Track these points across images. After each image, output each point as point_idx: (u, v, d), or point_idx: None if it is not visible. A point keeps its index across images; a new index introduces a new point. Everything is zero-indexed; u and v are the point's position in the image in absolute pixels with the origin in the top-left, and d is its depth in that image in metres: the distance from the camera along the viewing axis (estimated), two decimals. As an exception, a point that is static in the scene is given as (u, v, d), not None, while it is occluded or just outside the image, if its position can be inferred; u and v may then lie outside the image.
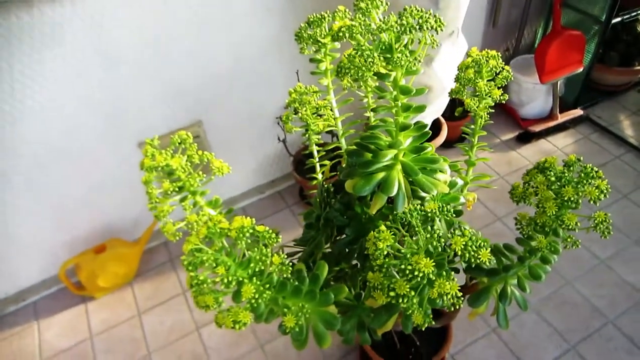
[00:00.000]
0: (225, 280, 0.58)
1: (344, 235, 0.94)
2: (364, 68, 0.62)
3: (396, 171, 0.81)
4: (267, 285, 0.62)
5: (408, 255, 0.55)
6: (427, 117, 1.73)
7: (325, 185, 1.01)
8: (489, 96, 0.96)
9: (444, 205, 0.63)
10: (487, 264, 0.57)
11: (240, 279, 0.61)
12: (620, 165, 2.05)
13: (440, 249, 0.55)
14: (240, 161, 1.95)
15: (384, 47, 0.64)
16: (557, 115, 2.18)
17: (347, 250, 0.93)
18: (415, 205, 0.62)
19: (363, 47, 0.61)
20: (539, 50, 1.98)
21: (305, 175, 1.84)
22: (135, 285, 1.82)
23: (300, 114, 0.97)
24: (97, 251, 1.75)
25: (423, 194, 0.86)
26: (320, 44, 0.88)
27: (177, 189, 0.85)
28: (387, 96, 0.71)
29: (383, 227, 0.57)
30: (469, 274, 0.90)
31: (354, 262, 0.95)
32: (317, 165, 1.09)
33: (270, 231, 0.65)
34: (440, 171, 0.86)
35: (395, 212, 0.61)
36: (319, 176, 1.11)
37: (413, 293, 0.55)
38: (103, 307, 1.77)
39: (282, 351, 1.55)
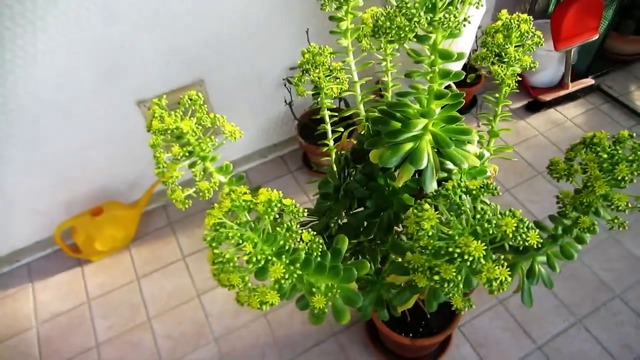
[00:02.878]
0: (254, 259, 0.54)
1: (362, 208, 0.89)
2: (406, 28, 0.56)
3: (425, 142, 0.76)
4: (297, 265, 0.58)
5: (456, 237, 0.50)
6: (439, 83, 1.67)
7: (343, 154, 0.95)
8: (517, 63, 0.91)
9: (485, 182, 0.58)
10: (536, 245, 0.52)
11: (268, 257, 0.56)
12: (630, 138, 2.00)
13: (491, 231, 0.51)
14: (243, 123, 1.87)
15: (428, 6, 0.58)
16: (569, 84, 2.11)
17: (366, 223, 0.88)
18: (457, 181, 0.57)
19: (408, 5, 0.55)
20: (555, 15, 1.90)
21: (311, 141, 1.78)
22: (133, 249, 1.78)
23: (311, 76, 0.91)
24: (94, 213, 1.70)
25: (450, 167, 0.81)
26: (342, 0, 0.82)
27: (187, 154, 0.79)
28: (425, 61, 0.65)
29: (427, 206, 0.52)
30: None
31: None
32: (329, 131, 1.03)
33: (297, 205, 0.60)
34: (468, 142, 0.81)
35: (437, 190, 0.55)
36: (331, 143, 1.05)
37: (459, 277, 0.51)
38: (100, 271, 1.72)
39: (286, 320, 1.52)
